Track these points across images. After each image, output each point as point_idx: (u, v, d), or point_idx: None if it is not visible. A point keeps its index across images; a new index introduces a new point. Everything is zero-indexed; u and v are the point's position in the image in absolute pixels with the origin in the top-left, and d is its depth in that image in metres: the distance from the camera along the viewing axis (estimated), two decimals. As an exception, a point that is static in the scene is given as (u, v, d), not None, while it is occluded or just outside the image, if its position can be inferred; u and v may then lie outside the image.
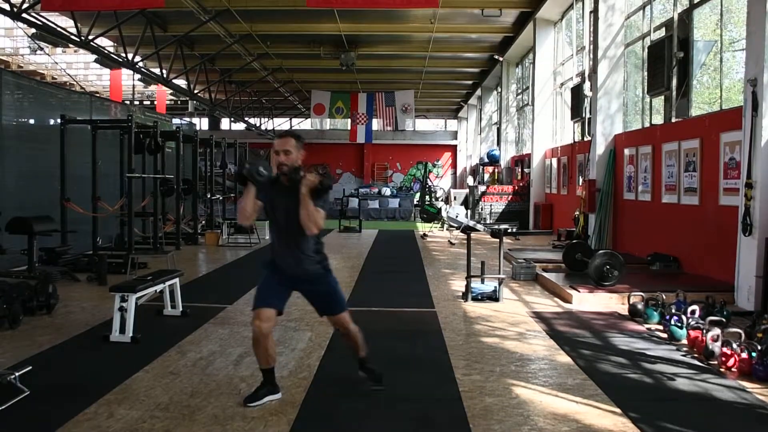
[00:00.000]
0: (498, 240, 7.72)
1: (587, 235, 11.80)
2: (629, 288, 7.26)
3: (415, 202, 24.14)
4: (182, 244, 12.46)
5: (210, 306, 6.87)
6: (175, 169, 12.52)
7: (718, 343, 4.87)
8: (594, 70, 11.73)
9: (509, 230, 8.59)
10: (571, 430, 3.62)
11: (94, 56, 14.45)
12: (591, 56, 12.32)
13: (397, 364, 4.87)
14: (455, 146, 34.72)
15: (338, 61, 18.61)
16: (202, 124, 31.09)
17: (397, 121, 24.18)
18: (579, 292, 7.35)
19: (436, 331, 5.93)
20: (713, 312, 5.93)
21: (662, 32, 9.89)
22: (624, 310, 6.83)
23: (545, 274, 8.65)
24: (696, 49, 9.18)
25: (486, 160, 23.07)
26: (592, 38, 12.25)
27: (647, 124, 10.79)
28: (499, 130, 22.32)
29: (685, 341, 5.44)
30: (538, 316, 6.60)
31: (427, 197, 22.59)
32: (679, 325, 5.56)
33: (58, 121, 10.11)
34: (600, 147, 11.61)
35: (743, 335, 4.89)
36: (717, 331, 4.95)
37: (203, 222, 14.95)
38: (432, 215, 20.70)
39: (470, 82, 25.49)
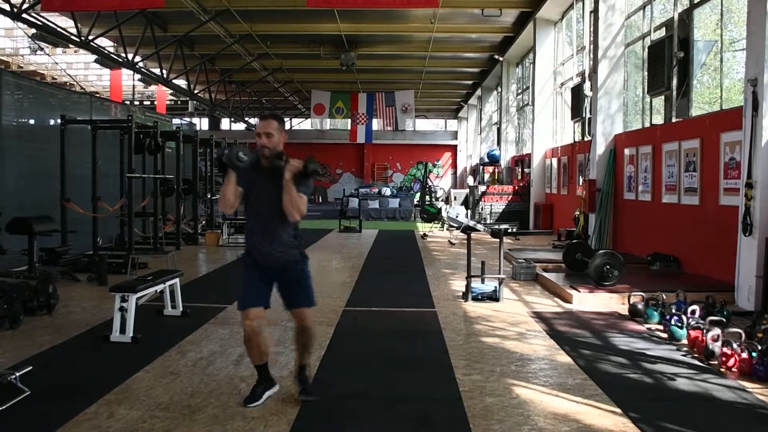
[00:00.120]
0: (498, 240, 7.72)
1: (587, 235, 11.80)
2: (629, 288, 7.26)
3: (415, 202, 24.13)
4: (182, 244, 12.46)
5: (210, 306, 6.87)
6: (175, 169, 12.52)
7: (719, 343, 4.87)
8: (594, 70, 11.73)
9: (509, 230, 8.59)
10: (572, 430, 3.62)
11: (94, 56, 14.49)
12: (591, 56, 12.32)
13: (397, 364, 4.87)
14: (455, 146, 34.74)
15: (338, 61, 18.63)
16: (202, 124, 31.12)
17: (397, 121, 24.21)
18: (579, 292, 7.34)
19: (437, 331, 5.93)
20: (713, 312, 5.93)
21: (662, 32, 9.89)
22: (624, 310, 6.83)
23: (545, 274, 8.65)
24: (696, 48, 9.18)
25: (486, 160, 23.07)
26: (592, 38, 12.26)
27: (647, 124, 10.78)
28: (499, 130, 22.33)
29: (685, 341, 5.44)
30: (539, 316, 6.60)
31: (428, 197, 22.58)
32: (680, 325, 5.56)
33: (58, 121, 10.11)
34: (600, 147, 11.61)
35: (743, 335, 4.89)
36: (717, 331, 4.95)
37: (203, 222, 14.95)
38: (432, 215, 20.69)
39: (470, 82, 25.50)
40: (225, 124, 32.68)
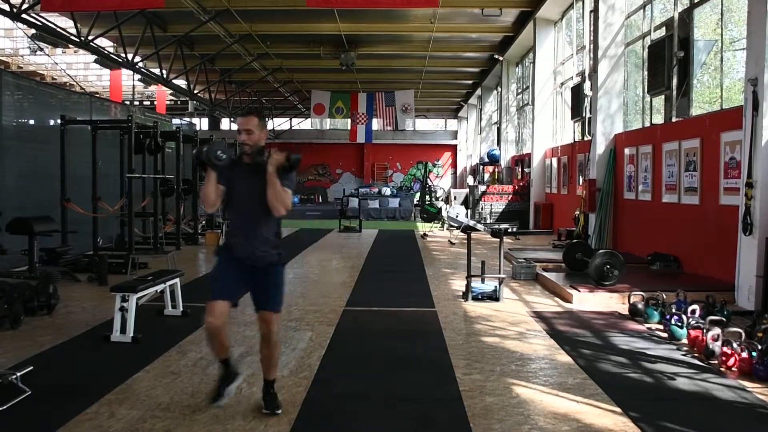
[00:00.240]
0: (498, 240, 7.73)
1: (587, 235, 11.80)
2: (629, 287, 7.26)
3: (415, 202, 24.13)
4: (182, 244, 12.46)
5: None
6: (175, 169, 12.52)
7: (719, 343, 4.87)
8: (594, 70, 11.73)
9: (509, 230, 8.58)
10: (572, 429, 3.63)
11: (94, 56, 14.48)
12: (591, 56, 12.33)
13: (397, 364, 4.88)
14: (455, 146, 34.72)
15: (338, 61, 18.62)
16: (202, 124, 31.12)
17: (397, 121, 24.20)
18: (579, 291, 7.35)
19: (437, 331, 5.93)
20: (713, 311, 5.93)
21: (662, 31, 9.89)
22: (624, 309, 6.83)
23: (545, 274, 8.65)
24: (696, 48, 9.18)
25: (486, 159, 23.06)
26: (592, 38, 12.26)
27: (647, 124, 10.79)
28: (499, 129, 22.32)
29: (685, 341, 5.45)
30: (539, 316, 6.60)
31: (428, 197, 22.59)
32: (680, 324, 5.56)
33: (58, 121, 10.11)
34: (600, 146, 11.61)
35: (743, 335, 4.90)
36: (717, 330, 4.96)
37: (203, 222, 14.95)
38: (432, 215, 20.70)
39: (470, 81, 25.49)
40: (225, 124, 32.67)
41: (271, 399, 3.83)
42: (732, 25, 8.89)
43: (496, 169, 22.27)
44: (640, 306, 6.48)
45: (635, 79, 11.87)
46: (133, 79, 20.77)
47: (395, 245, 14.03)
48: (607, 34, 11.43)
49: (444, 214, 19.22)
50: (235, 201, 3.78)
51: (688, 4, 9.27)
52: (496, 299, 7.28)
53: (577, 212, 12.60)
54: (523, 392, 4.21)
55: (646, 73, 10.23)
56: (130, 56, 14.49)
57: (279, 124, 33.21)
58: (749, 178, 6.74)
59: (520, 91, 20.98)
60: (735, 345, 4.74)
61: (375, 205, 22.99)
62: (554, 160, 15.96)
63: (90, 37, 12.94)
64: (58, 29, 12.71)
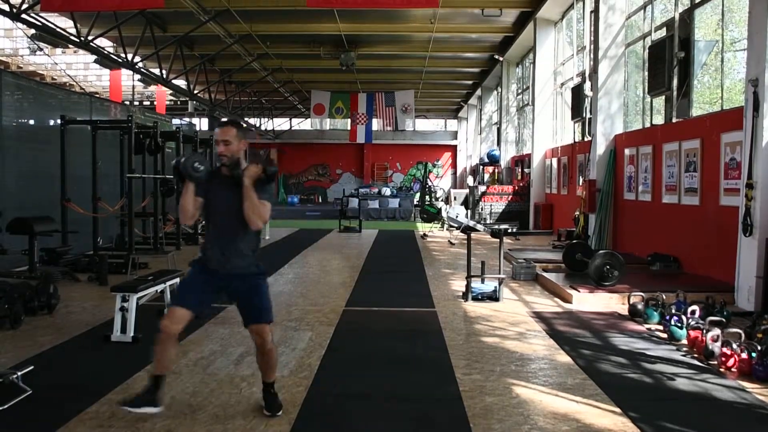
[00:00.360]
0: (498, 240, 7.73)
1: (587, 236, 11.80)
2: (629, 288, 7.26)
3: (415, 202, 24.13)
4: (182, 244, 12.47)
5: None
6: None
7: (718, 344, 4.87)
8: (594, 70, 11.74)
9: (509, 230, 8.60)
10: (571, 429, 3.63)
11: (94, 57, 14.46)
12: (591, 56, 12.33)
13: (397, 364, 4.88)
14: (455, 146, 34.73)
15: (338, 61, 18.61)
16: (202, 124, 31.08)
17: (397, 121, 24.19)
18: (579, 292, 7.35)
19: (437, 331, 5.93)
20: (713, 312, 5.94)
21: (663, 32, 9.90)
22: (624, 310, 6.84)
23: (545, 274, 8.65)
24: (697, 49, 9.18)
25: (486, 160, 23.07)
26: (592, 38, 12.26)
27: (648, 125, 10.79)
28: (499, 130, 22.33)
29: (685, 341, 5.45)
30: (538, 316, 6.60)
31: (427, 197, 22.58)
32: (679, 325, 5.57)
33: (58, 121, 10.12)
34: (600, 147, 11.61)
35: (743, 335, 4.90)
36: (717, 331, 4.96)
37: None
38: (432, 215, 20.69)
39: (470, 82, 25.49)
40: (225, 124, 32.65)
41: (271, 399, 3.83)
42: (733, 25, 8.89)
43: (496, 170, 22.27)
44: (639, 306, 6.49)
45: (635, 80, 11.88)
46: (133, 79, 20.76)
47: (395, 245, 14.04)
48: (608, 35, 11.43)
49: (444, 214, 19.23)
50: (212, 213, 3.71)
51: (689, 5, 9.27)
52: (496, 299, 7.29)
53: (577, 213, 12.60)
54: (523, 392, 4.22)
55: (646, 73, 10.23)
56: (129, 56, 14.48)
57: (279, 124, 33.21)
58: (749, 179, 6.75)
59: (520, 91, 20.98)
60: (735, 346, 4.74)
61: (375, 206, 22.99)
62: (554, 161, 15.96)
63: (90, 37, 12.92)
64: (58, 29, 12.70)
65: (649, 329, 6.02)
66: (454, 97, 30.18)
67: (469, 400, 4.07)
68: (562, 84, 15.87)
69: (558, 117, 16.43)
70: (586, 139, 13.10)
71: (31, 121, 10.80)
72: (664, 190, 9.57)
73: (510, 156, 21.36)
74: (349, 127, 25.22)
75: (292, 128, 34.24)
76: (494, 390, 4.26)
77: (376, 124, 27.36)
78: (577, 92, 13.11)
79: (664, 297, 6.41)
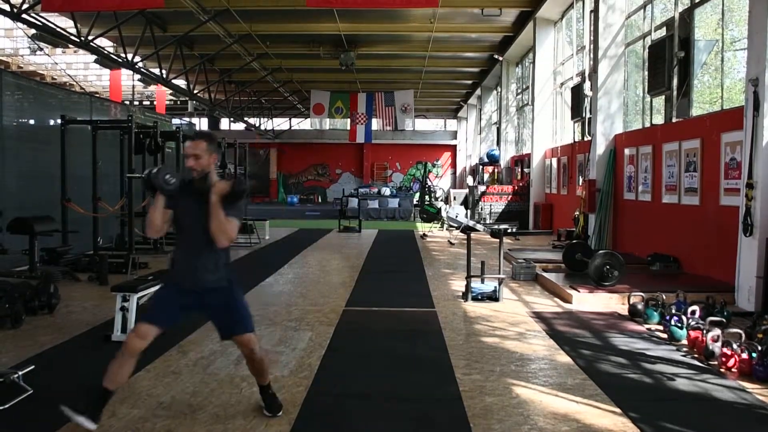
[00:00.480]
0: (498, 240, 7.73)
1: (587, 235, 11.80)
2: (629, 288, 7.26)
3: (415, 202, 24.13)
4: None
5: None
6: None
7: (719, 344, 4.87)
8: (594, 70, 11.74)
9: (509, 230, 8.59)
10: (571, 429, 3.63)
11: (94, 56, 14.46)
12: (591, 56, 12.33)
13: (397, 364, 4.89)
14: (455, 146, 34.73)
15: (338, 61, 18.61)
16: (202, 124, 31.07)
17: (397, 121, 24.18)
18: (579, 292, 7.35)
19: (436, 331, 5.94)
20: (713, 312, 5.94)
21: (663, 32, 9.90)
22: (624, 310, 6.84)
23: (545, 274, 8.66)
24: (697, 48, 9.18)
25: (486, 159, 23.07)
26: (592, 38, 12.26)
27: (648, 124, 10.79)
28: (498, 129, 22.32)
29: (685, 341, 5.45)
30: (538, 316, 6.61)
31: (427, 197, 22.58)
32: (679, 325, 5.57)
33: (59, 121, 10.12)
34: (600, 147, 11.61)
35: (743, 336, 4.90)
36: (717, 331, 4.96)
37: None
38: (432, 215, 20.69)
39: (470, 81, 25.50)
40: (224, 124, 32.65)
41: (270, 400, 3.83)
42: (733, 24, 8.90)
43: (496, 170, 22.27)
44: (639, 307, 6.49)
45: (635, 80, 11.88)
46: (133, 79, 20.76)
47: (395, 245, 14.04)
48: (608, 34, 11.43)
49: (443, 214, 19.23)
50: (181, 228, 3.65)
51: (689, 4, 9.27)
52: (496, 299, 7.29)
53: (577, 213, 12.61)
54: (523, 392, 4.22)
55: (646, 73, 10.23)
56: (129, 56, 14.48)
57: (278, 124, 33.21)
58: (750, 179, 6.75)
59: (519, 91, 20.98)
60: (735, 346, 4.75)
61: (374, 205, 22.99)
62: (554, 161, 15.96)
63: (90, 37, 12.93)
64: (58, 29, 12.70)
65: (649, 329, 6.03)
66: (453, 97, 30.18)
67: (469, 400, 4.07)
68: (562, 84, 15.87)
69: (558, 117, 16.43)
70: (585, 139, 13.10)
71: (32, 121, 10.80)
72: (664, 190, 9.57)
73: (510, 156, 21.36)
74: (348, 127, 25.21)
75: (292, 128, 34.24)
76: (494, 390, 4.26)
77: (375, 124, 27.34)
78: (577, 92, 13.11)
79: (664, 297, 6.41)
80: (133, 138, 9.98)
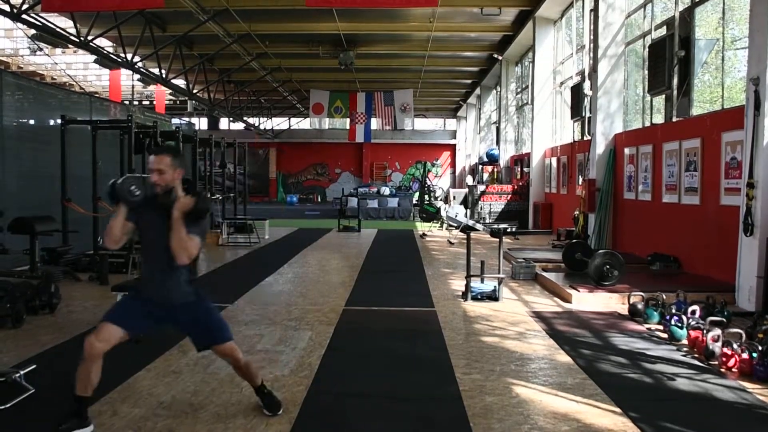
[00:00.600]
0: (497, 239, 7.74)
1: (587, 235, 11.80)
2: (629, 288, 7.27)
3: (414, 202, 24.14)
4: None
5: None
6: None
7: (719, 344, 4.87)
8: (594, 69, 11.74)
9: (509, 230, 8.59)
10: (572, 429, 3.63)
11: (94, 57, 14.45)
12: (591, 55, 12.33)
13: (397, 364, 4.89)
14: (454, 145, 34.75)
15: (337, 61, 18.60)
16: (201, 123, 31.08)
17: (396, 121, 24.18)
18: (579, 291, 7.35)
19: (436, 331, 5.94)
20: (714, 312, 5.94)
21: (663, 31, 9.90)
22: (624, 310, 6.84)
23: (545, 274, 8.66)
24: (697, 47, 9.18)
25: (485, 159, 23.08)
26: (592, 37, 12.26)
27: (648, 124, 10.79)
28: (498, 129, 22.33)
29: (685, 341, 5.45)
30: (538, 316, 6.61)
31: (426, 197, 22.59)
32: (680, 325, 5.57)
33: (59, 121, 10.11)
34: (600, 146, 11.61)
35: (744, 336, 4.90)
36: (717, 331, 4.96)
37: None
38: (431, 215, 20.71)
39: (469, 81, 25.50)
40: (224, 123, 32.66)
41: (267, 399, 3.82)
42: (733, 23, 8.90)
43: (495, 169, 22.27)
44: (639, 306, 6.49)
45: (635, 79, 11.88)
46: (133, 79, 20.75)
47: (394, 245, 14.04)
48: (607, 33, 11.43)
49: (443, 213, 19.23)
50: (145, 242, 3.61)
51: (689, 3, 9.27)
52: (496, 299, 7.29)
53: (577, 212, 12.61)
54: (523, 392, 4.22)
55: (646, 72, 10.23)
56: (129, 56, 14.48)
57: (278, 123, 33.20)
58: (750, 179, 6.75)
59: (519, 90, 20.98)
60: (735, 346, 4.75)
61: (374, 205, 23.00)
62: (554, 160, 15.97)
63: (89, 37, 12.93)
64: (58, 29, 12.70)
65: (649, 329, 6.03)
66: (453, 96, 30.19)
67: (469, 399, 4.07)
68: (562, 83, 15.87)
69: (557, 116, 16.43)
70: (585, 139, 13.10)
71: (32, 121, 10.80)
72: (664, 189, 9.57)
73: (509, 155, 21.36)
74: (348, 127, 25.21)
75: (291, 127, 34.23)
76: (494, 389, 4.27)
77: (375, 124, 27.35)
78: (577, 91, 13.12)
79: (665, 297, 6.41)
80: (132, 138, 9.96)
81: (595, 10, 11.76)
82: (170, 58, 16.52)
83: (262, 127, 30.34)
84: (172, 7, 12.54)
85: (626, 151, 11.04)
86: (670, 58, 9.19)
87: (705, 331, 5.09)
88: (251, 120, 28.69)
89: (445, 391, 4.26)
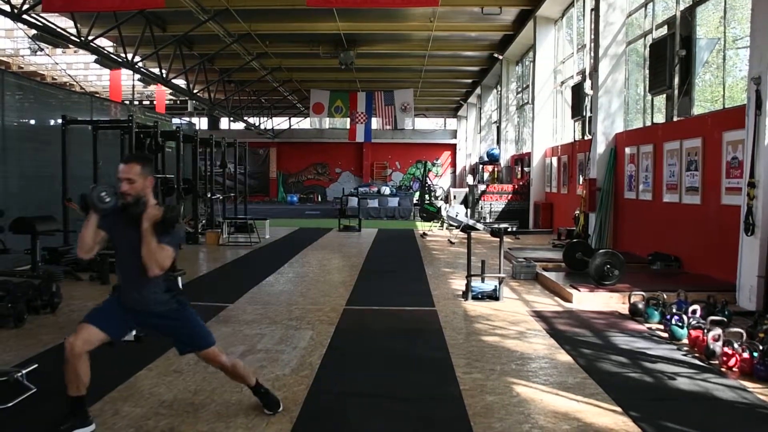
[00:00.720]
0: (498, 239, 7.73)
1: (587, 235, 11.80)
2: (630, 287, 7.25)
3: (415, 201, 24.14)
4: (183, 244, 12.46)
5: (211, 305, 6.88)
6: (175, 168, 12.53)
7: (720, 343, 4.87)
8: (595, 69, 11.73)
9: (509, 229, 8.59)
10: (572, 428, 3.64)
11: (94, 56, 14.46)
12: (592, 54, 12.32)
13: (397, 363, 4.89)
14: (455, 145, 34.74)
15: (337, 60, 18.60)
16: (202, 123, 31.11)
17: (396, 120, 24.18)
18: (579, 291, 7.35)
19: (437, 330, 5.94)
20: (714, 312, 5.94)
21: (664, 30, 9.90)
22: (625, 309, 6.84)
23: (545, 273, 8.66)
24: (698, 46, 9.17)
25: (486, 158, 23.07)
26: (592, 36, 12.25)
27: (648, 123, 10.79)
28: (498, 128, 22.33)
29: (686, 341, 5.45)
30: (539, 315, 6.61)
31: (427, 196, 22.59)
32: (680, 324, 5.57)
33: (59, 121, 10.12)
34: (601, 146, 11.61)
35: (744, 335, 4.90)
36: (718, 330, 4.96)
37: (203, 221, 14.96)
38: (431, 214, 20.70)
39: (470, 80, 25.49)
40: (224, 123, 32.68)
41: (266, 398, 3.81)
42: (735, 23, 8.90)
43: (496, 169, 22.27)
44: (640, 306, 6.49)
45: (636, 78, 11.88)
46: (133, 79, 20.74)
47: (395, 244, 14.04)
48: (608, 33, 11.43)
49: (443, 213, 19.23)
50: (119, 253, 3.56)
51: (690, 2, 9.26)
52: (496, 298, 7.29)
53: (577, 212, 12.61)
54: (524, 391, 4.23)
55: (647, 71, 10.23)
56: (129, 56, 14.48)
57: (278, 123, 33.21)
58: (751, 178, 6.74)
59: (519, 90, 20.97)
60: (736, 345, 4.75)
61: (374, 205, 22.99)
62: (554, 160, 15.96)
63: (90, 38, 12.93)
64: (59, 29, 12.70)
65: (649, 328, 6.03)
66: (453, 96, 30.18)
67: (469, 399, 4.07)
68: (562, 82, 15.87)
69: (558, 116, 16.43)
70: (586, 138, 13.10)
71: (33, 121, 10.82)
72: (665, 189, 9.57)
73: (510, 155, 21.37)
74: (348, 126, 25.21)
75: (292, 127, 34.24)
76: (495, 389, 4.27)
77: (375, 123, 27.35)
78: (578, 91, 13.11)
79: (665, 296, 6.41)
80: (133, 138, 9.99)
81: (595, 9, 11.75)
82: (170, 57, 16.52)
83: (262, 126, 30.35)
84: (173, 7, 12.53)
85: (627, 150, 11.04)
86: (671, 58, 9.19)
87: (706, 331, 5.09)
88: (251, 120, 28.69)
89: (446, 390, 4.26)
